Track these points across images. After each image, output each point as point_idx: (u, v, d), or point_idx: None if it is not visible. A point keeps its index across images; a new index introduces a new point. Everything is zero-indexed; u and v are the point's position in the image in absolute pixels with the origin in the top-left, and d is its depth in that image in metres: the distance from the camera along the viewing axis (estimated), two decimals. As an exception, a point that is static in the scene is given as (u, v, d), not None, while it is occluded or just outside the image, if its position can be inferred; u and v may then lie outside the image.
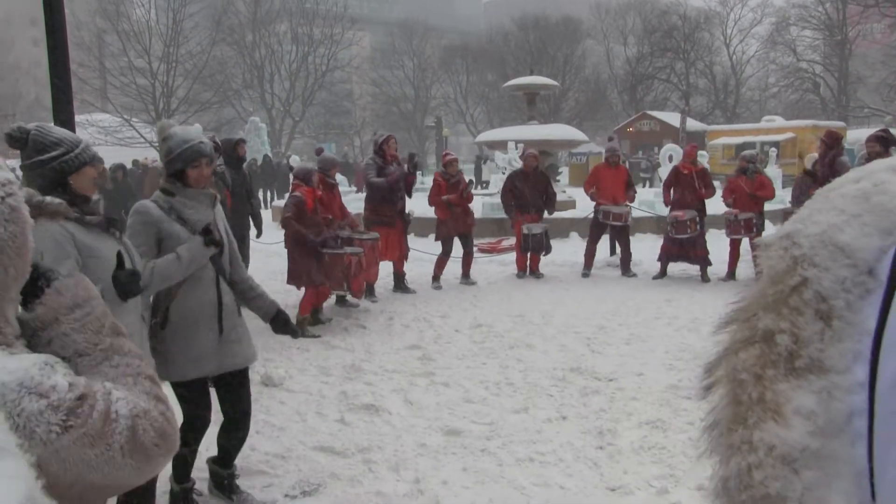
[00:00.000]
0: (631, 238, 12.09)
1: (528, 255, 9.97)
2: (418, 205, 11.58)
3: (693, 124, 36.46)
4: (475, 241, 12.69)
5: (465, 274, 9.64)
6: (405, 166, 8.75)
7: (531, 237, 9.61)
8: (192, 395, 3.38)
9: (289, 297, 7.77)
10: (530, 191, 9.78)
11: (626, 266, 10.06)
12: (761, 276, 1.00)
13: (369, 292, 8.51)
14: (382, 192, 8.42)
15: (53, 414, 0.91)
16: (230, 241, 3.53)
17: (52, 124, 2.76)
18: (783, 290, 0.92)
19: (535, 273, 10.01)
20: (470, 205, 9.61)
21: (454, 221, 9.30)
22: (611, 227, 10.02)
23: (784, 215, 8.92)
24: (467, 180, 9.64)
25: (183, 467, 3.55)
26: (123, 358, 1.11)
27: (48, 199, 2.53)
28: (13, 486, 0.78)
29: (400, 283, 9.06)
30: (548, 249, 9.81)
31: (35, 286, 1.10)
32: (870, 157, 7.64)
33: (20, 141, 2.61)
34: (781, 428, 0.87)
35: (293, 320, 6.84)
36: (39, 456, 0.88)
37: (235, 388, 3.58)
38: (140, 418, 1.00)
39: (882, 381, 0.80)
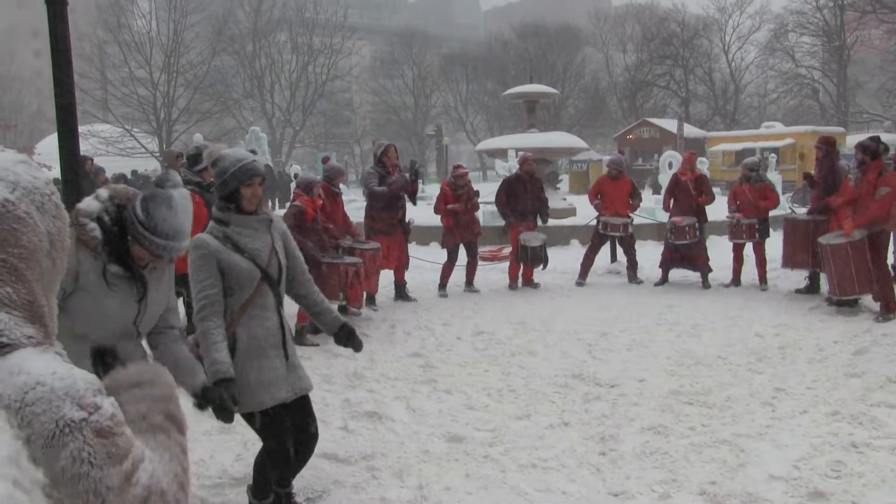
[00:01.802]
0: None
1: (522, 265, 9.70)
2: (419, 213, 11.58)
3: (693, 131, 36.53)
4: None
5: (469, 282, 9.61)
6: (407, 175, 8.74)
7: (529, 249, 9.29)
8: (272, 423, 3.29)
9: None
10: (526, 196, 9.57)
11: (633, 273, 10.05)
12: None
13: (370, 301, 8.52)
14: (384, 200, 8.42)
15: (91, 434, 0.92)
16: (294, 255, 3.46)
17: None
18: None
19: (529, 283, 9.77)
20: (477, 213, 9.60)
21: (459, 229, 9.27)
22: (619, 242, 10.11)
23: (785, 222, 8.91)
24: (474, 189, 9.60)
25: (263, 490, 3.47)
26: (168, 440, 1.13)
27: (90, 226, 2.52)
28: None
29: (401, 292, 9.05)
30: (545, 262, 9.56)
31: (103, 361, 1.14)
32: (859, 165, 7.72)
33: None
34: None
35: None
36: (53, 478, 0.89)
37: (301, 412, 3.46)
38: (155, 496, 1.00)
39: None
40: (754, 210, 9.06)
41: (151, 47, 34.28)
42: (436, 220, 9.74)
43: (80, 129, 7.58)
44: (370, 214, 8.59)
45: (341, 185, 8.40)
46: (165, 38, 34.89)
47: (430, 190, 27.04)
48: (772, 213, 9.42)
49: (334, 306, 7.89)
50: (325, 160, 8.68)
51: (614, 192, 9.95)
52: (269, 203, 26.05)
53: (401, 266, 8.86)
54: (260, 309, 3.25)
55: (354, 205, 13.68)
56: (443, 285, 9.41)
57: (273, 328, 3.29)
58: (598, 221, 9.96)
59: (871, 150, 7.56)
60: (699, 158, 19.36)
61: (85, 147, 13.51)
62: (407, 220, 8.80)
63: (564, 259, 11.18)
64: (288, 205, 7.39)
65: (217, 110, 36.28)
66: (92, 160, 12.23)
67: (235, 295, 3.18)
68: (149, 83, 33.55)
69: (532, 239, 9.30)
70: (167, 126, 33.70)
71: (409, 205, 8.86)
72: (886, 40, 40.21)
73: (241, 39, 44.66)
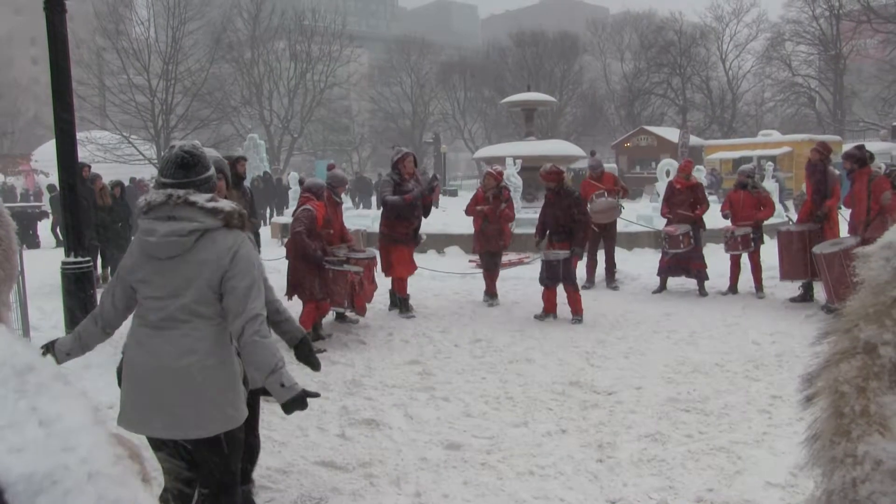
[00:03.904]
0: (629, 253, 12.12)
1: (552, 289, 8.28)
2: (432, 223, 11.42)
3: (691, 139, 36.63)
4: (471, 258, 12.73)
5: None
6: (423, 185, 8.43)
7: (546, 264, 8.17)
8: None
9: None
10: (554, 215, 8.29)
11: (610, 276, 10.07)
12: (861, 286, 0.97)
13: (405, 307, 8.47)
14: (398, 209, 8.20)
15: None
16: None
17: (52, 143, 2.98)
18: (885, 302, 0.88)
19: (576, 317, 8.09)
20: (511, 224, 9.23)
21: (484, 237, 8.97)
22: (602, 236, 10.06)
23: (779, 235, 8.94)
24: (509, 195, 9.15)
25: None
26: None
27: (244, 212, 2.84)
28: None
29: (395, 300, 8.76)
30: (571, 282, 8.09)
31: None
32: (849, 173, 7.89)
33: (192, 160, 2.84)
34: (889, 442, 0.82)
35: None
36: None
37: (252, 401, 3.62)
38: None
39: None
40: (750, 217, 9.08)
41: (150, 54, 34.27)
42: (436, 229, 9.65)
43: (78, 135, 7.59)
44: (386, 223, 8.38)
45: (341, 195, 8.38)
46: (164, 45, 34.90)
47: (445, 202, 27.20)
48: (770, 222, 9.46)
49: (332, 313, 7.98)
50: (331, 167, 8.61)
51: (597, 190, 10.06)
52: (268, 209, 26.04)
53: (405, 275, 8.61)
54: None
55: (350, 212, 13.67)
56: (487, 293, 9.19)
57: None
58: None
59: (858, 159, 7.80)
60: (697, 167, 19.44)
61: (83, 154, 13.45)
62: (420, 233, 8.56)
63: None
64: (291, 209, 7.39)
65: (215, 117, 36.25)
66: (89, 167, 12.23)
67: None
68: (147, 90, 33.53)
69: (552, 253, 8.17)
70: (165, 133, 33.67)
71: (424, 216, 8.58)
72: (881, 50, 40.42)
73: (239, 47, 44.72)
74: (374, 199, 32.72)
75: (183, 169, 2.77)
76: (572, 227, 8.08)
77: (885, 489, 0.81)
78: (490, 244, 9.03)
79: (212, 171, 2.86)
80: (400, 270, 8.46)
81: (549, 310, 8.28)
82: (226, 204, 2.76)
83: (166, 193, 2.74)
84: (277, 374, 2.75)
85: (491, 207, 8.94)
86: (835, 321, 0.96)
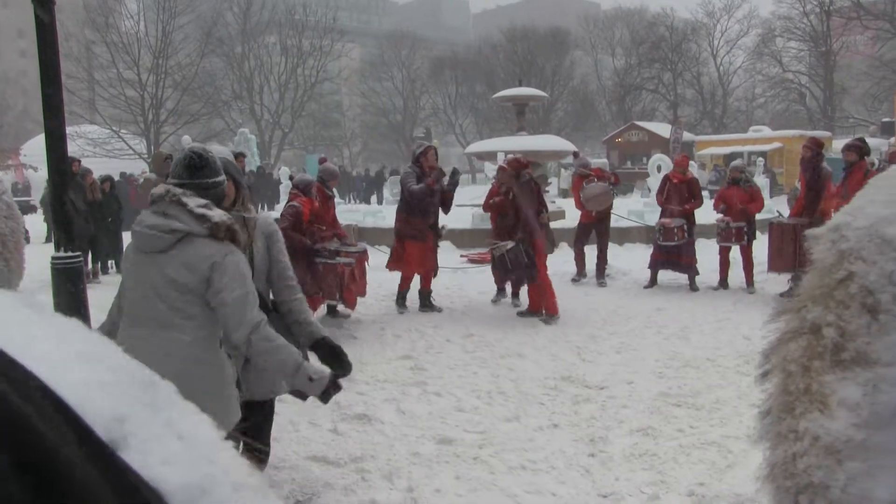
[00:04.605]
0: (621, 248, 12.13)
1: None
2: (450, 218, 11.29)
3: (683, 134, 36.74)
4: (463, 252, 12.72)
5: (514, 293, 8.83)
6: (444, 180, 8.18)
7: (496, 260, 8.03)
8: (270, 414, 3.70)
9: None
10: (514, 212, 8.12)
11: (600, 272, 10.05)
12: (812, 267, 0.99)
13: (401, 301, 8.45)
14: (423, 198, 7.97)
15: None
16: (276, 259, 3.48)
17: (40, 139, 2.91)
18: (830, 284, 0.91)
19: (546, 316, 7.94)
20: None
21: (499, 231, 8.64)
22: (594, 231, 10.06)
23: (770, 227, 8.95)
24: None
25: None
26: None
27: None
28: None
29: (425, 301, 8.54)
30: (525, 272, 7.87)
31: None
32: (848, 166, 7.91)
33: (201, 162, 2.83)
34: (826, 419, 0.87)
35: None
36: None
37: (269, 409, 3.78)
38: None
39: None
40: (742, 214, 9.09)
41: (139, 48, 34.13)
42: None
43: (68, 129, 7.53)
44: (402, 217, 8.24)
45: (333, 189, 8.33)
46: (154, 39, 34.75)
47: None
48: (758, 217, 9.47)
49: (324, 308, 7.97)
50: (322, 161, 8.55)
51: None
52: (260, 204, 25.99)
53: (428, 273, 8.43)
54: None
55: (339, 207, 13.64)
56: (499, 290, 8.96)
57: None
58: (582, 198, 9.90)
59: (861, 150, 7.88)
60: (689, 162, 19.46)
61: (72, 149, 13.32)
62: (441, 225, 8.38)
63: (553, 261, 11.09)
64: (279, 205, 7.38)
65: (205, 112, 36.15)
66: (79, 161, 12.15)
67: None
68: (137, 84, 33.40)
69: (497, 248, 8.01)
70: (155, 128, 33.57)
71: (444, 212, 8.39)
72: (871, 46, 40.64)
73: (230, 41, 44.52)
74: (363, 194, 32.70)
75: (188, 170, 2.76)
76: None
77: (819, 462, 0.87)
78: (508, 238, 8.44)
79: (221, 178, 2.83)
80: (412, 268, 8.32)
81: (534, 309, 8.09)
82: (216, 214, 2.69)
83: (165, 188, 2.73)
84: (303, 371, 2.73)
85: (503, 198, 8.55)
86: (789, 301, 0.99)
